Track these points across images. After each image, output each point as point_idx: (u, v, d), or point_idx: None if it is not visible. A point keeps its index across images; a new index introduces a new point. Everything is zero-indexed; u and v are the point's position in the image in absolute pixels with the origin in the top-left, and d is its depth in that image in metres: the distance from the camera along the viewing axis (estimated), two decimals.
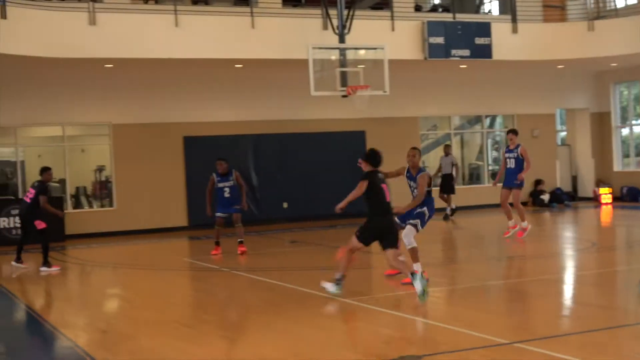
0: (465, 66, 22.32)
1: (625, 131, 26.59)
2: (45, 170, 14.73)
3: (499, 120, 26.85)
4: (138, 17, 18.38)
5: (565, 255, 14.96)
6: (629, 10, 23.09)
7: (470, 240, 18.05)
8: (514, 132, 16.33)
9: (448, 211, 21.05)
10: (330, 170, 22.05)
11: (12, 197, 20.08)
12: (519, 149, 15.92)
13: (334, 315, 9.48)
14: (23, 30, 16.94)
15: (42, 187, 14.52)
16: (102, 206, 21.62)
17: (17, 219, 17.30)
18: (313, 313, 9.68)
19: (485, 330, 8.18)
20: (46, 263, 14.39)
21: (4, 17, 16.32)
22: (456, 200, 21.41)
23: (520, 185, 16.11)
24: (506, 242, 15.85)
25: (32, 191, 14.59)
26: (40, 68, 19.10)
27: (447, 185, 21.04)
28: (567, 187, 26.31)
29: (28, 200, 14.64)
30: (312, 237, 18.51)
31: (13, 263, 14.91)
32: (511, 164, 16.02)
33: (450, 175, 21.02)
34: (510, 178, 16.05)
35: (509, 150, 16.14)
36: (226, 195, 15.41)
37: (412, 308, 9.90)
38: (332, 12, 19.30)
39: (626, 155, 26.62)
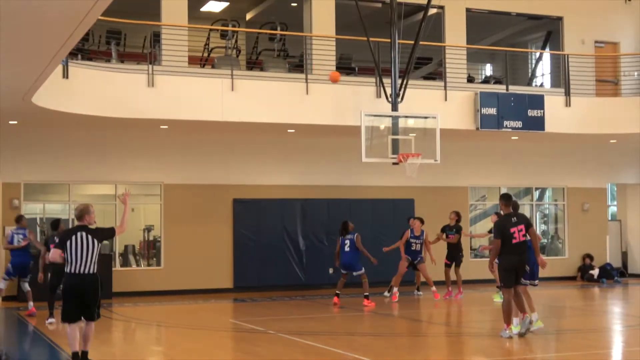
0: (516, 138, 22.30)
1: None
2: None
3: (548, 193, 26.66)
4: (194, 80, 18.69)
5: (613, 330, 14.68)
6: None
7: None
8: (420, 219, 19.39)
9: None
10: (378, 237, 22.00)
11: None
12: (423, 235, 19.19)
13: None
14: (83, 90, 17.31)
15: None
16: (149, 265, 21.76)
17: None
18: None
19: None
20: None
21: (66, 76, 16.71)
22: None
23: (422, 260, 19.25)
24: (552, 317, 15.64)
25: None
26: (97, 127, 19.46)
27: None
28: (617, 263, 25.89)
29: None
30: (358, 304, 18.31)
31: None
32: (417, 247, 19.17)
33: None
34: (415, 256, 19.17)
35: (414, 237, 19.14)
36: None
37: None
38: (386, 80, 19.47)
39: None
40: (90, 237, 9.98)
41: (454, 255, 19.65)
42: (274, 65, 21.25)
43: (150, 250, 21.99)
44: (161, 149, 21.10)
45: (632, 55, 23.86)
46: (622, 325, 15.56)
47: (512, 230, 12.52)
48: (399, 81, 19.34)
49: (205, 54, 21.68)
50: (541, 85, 25.77)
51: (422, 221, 19.34)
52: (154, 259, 21.79)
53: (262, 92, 19.04)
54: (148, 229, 22.11)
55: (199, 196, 21.36)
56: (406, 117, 19.25)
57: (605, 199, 26.32)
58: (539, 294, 19.88)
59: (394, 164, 19.02)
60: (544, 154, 24.69)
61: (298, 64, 21.38)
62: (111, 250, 20.92)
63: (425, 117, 19.35)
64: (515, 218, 12.70)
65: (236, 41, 22.01)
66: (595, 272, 24.29)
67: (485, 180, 24.73)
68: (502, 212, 12.94)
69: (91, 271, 9.99)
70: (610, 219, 27.05)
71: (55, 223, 15.74)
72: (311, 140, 21.98)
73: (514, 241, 12.50)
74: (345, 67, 22.05)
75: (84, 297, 10.02)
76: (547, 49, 25.22)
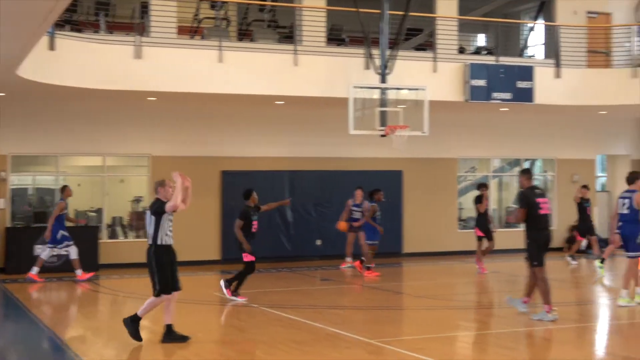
0: (506, 109, 22.26)
1: None
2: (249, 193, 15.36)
3: (538, 164, 26.67)
4: (183, 52, 18.57)
5: (598, 304, 14.77)
6: None
7: (503, 284, 17.84)
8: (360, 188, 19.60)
9: None
10: None
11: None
12: (364, 205, 19.08)
13: (361, 356, 9.42)
14: (70, 62, 17.21)
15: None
16: (137, 237, 21.72)
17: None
18: (342, 354, 9.64)
19: None
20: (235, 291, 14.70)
21: (52, 48, 16.62)
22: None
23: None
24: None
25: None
26: (85, 99, 19.39)
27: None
28: (605, 234, 25.94)
29: None
30: (343, 276, 18.44)
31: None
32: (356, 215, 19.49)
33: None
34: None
35: (355, 205, 19.44)
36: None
37: (439, 351, 9.82)
38: (375, 52, 19.38)
39: None
40: (148, 210, 10.79)
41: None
42: (264, 36, 21.11)
43: (139, 221, 21.95)
44: (149, 121, 21.02)
45: (624, 26, 23.74)
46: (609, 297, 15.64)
47: (537, 200, 11.99)
48: (387, 52, 19.24)
49: (195, 25, 21.55)
50: (533, 56, 25.68)
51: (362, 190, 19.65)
52: (142, 230, 21.76)
53: (251, 64, 18.95)
54: (137, 200, 22.10)
55: (187, 168, 21.09)
56: (395, 89, 19.17)
57: (594, 170, 26.36)
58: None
59: (382, 135, 18.97)
60: (533, 125, 24.66)
61: (288, 35, 21.27)
62: (99, 222, 20.90)
63: (415, 89, 19.24)
64: (538, 190, 12.26)
65: (226, 12, 21.86)
66: (583, 244, 24.30)
67: (475, 151, 24.70)
68: (522, 188, 12.32)
69: (148, 242, 10.92)
70: (599, 190, 27.10)
71: (247, 193, 15.51)
72: (300, 111, 21.91)
73: (540, 212, 11.96)
74: (335, 38, 21.95)
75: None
76: (540, 20, 25.09)
